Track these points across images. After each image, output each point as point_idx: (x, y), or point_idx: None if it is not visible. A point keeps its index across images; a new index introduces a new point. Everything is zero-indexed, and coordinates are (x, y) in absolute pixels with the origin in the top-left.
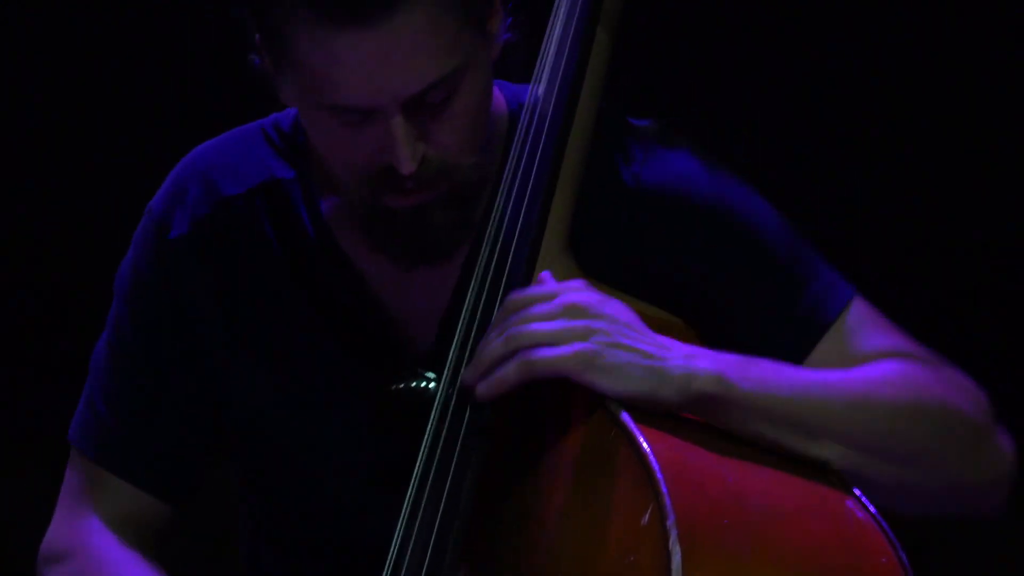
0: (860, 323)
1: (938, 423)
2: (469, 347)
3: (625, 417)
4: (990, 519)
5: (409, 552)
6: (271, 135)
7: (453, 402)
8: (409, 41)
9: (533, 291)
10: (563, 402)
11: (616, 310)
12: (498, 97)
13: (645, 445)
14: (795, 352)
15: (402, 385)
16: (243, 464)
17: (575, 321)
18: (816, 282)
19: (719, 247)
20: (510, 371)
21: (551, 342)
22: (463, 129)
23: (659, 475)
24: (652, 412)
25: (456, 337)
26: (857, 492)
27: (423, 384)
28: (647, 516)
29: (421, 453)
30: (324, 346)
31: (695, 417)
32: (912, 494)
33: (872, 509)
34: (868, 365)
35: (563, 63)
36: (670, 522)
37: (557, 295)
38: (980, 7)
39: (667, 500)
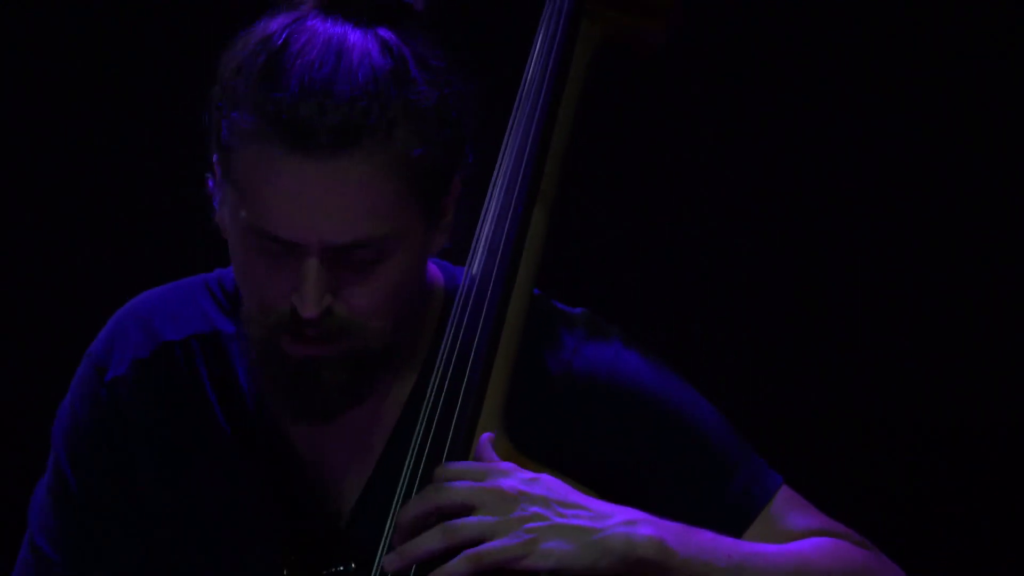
0: (788, 508)
1: None
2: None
3: None
4: None
5: None
6: (214, 290)
7: None
8: (352, 189)
9: (464, 466)
10: None
11: (547, 488)
12: (435, 274)
13: None
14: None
15: (326, 571)
16: None
17: (512, 512)
18: (745, 471)
19: (648, 436)
20: (458, 566)
21: (491, 535)
22: (380, 296)
23: None
24: None
25: (390, 514)
26: None
27: (341, 569)
28: None
29: None
30: (245, 500)
31: None
32: None
33: None
34: (801, 541)
35: (500, 243)
36: None
37: (487, 476)
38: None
39: None
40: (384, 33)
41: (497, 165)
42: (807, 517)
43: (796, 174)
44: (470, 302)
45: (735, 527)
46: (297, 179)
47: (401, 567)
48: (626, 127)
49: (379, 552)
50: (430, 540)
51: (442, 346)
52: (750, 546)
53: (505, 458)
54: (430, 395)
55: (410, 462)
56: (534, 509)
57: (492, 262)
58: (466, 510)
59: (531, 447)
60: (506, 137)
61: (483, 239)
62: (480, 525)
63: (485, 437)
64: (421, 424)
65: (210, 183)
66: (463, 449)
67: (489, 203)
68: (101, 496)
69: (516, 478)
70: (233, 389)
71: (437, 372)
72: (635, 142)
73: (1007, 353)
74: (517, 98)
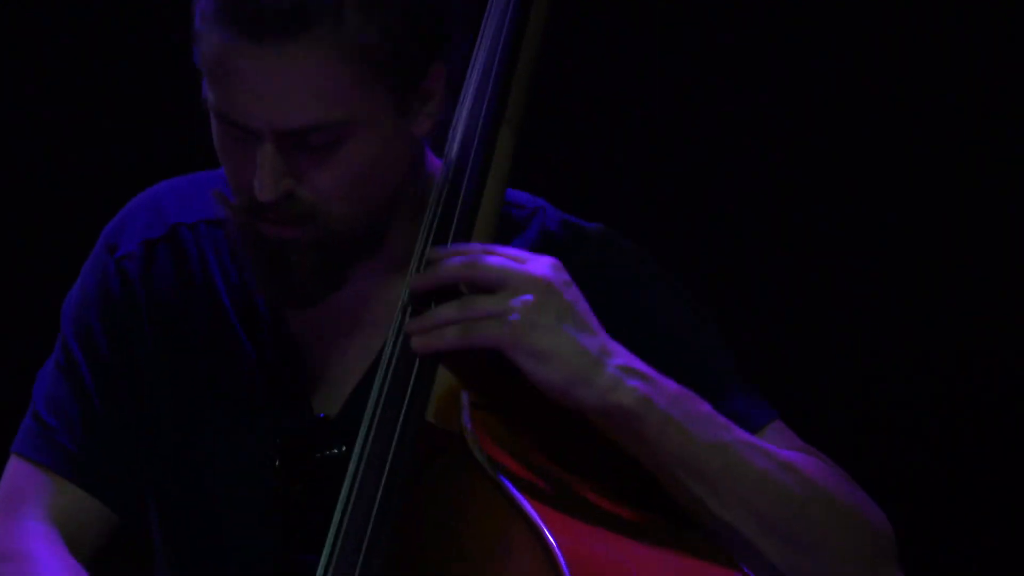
0: (779, 441)
1: (845, 525)
2: (378, 416)
3: (529, 509)
4: None
5: None
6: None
7: (363, 469)
8: (301, 75)
9: (508, 250)
10: (468, 492)
11: (576, 298)
12: (435, 165)
13: (551, 538)
14: None
15: (313, 454)
16: (158, 500)
17: (533, 296)
18: (739, 399)
19: (648, 337)
20: (450, 335)
21: (500, 315)
22: (343, 181)
23: (564, 568)
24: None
25: (369, 405)
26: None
27: (335, 452)
28: None
29: (335, 519)
30: (243, 385)
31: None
32: None
33: None
34: (794, 451)
35: (468, 162)
36: None
37: (530, 260)
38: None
39: None
40: None
41: (468, 75)
42: (802, 444)
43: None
44: (444, 192)
45: None
46: (248, 65)
47: (415, 330)
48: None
49: (360, 434)
50: (446, 313)
51: (417, 243)
52: (745, 434)
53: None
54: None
55: (387, 355)
56: (553, 307)
57: (460, 178)
58: (492, 288)
59: None
60: (475, 49)
61: (452, 153)
62: (497, 304)
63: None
64: (398, 317)
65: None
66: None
67: (459, 116)
68: (103, 370)
69: (557, 272)
70: (240, 275)
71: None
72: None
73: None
74: (486, 10)
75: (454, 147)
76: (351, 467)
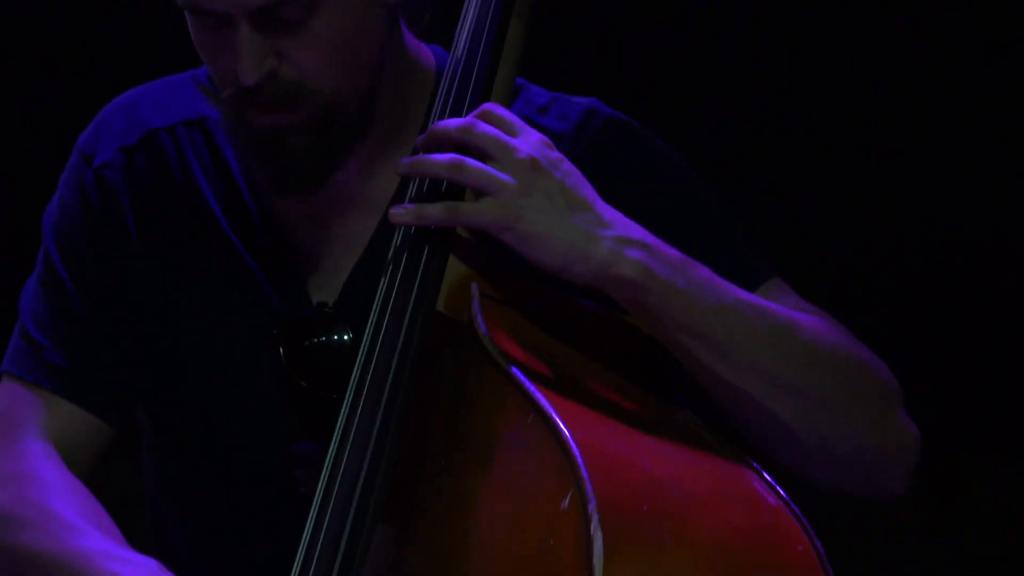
0: (779, 297)
1: (852, 376)
2: (388, 305)
3: (540, 398)
4: (892, 503)
5: (330, 510)
6: (201, 80)
7: (372, 358)
8: None
9: (506, 116)
10: (479, 384)
11: (565, 174)
12: (427, 56)
13: (565, 430)
14: None
15: (317, 340)
16: (153, 407)
17: (519, 180)
18: (738, 256)
19: (650, 191)
20: (433, 212)
21: (487, 188)
22: (324, 52)
23: (579, 460)
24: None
25: (378, 293)
26: (769, 478)
27: (337, 338)
28: (567, 501)
29: (344, 407)
30: (236, 283)
31: (601, 389)
32: (814, 448)
33: (787, 498)
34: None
35: (479, 50)
36: (591, 507)
37: (520, 133)
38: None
39: (588, 486)
40: None
41: None
42: (802, 302)
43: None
44: (457, 75)
45: None
46: None
47: (407, 173)
48: None
49: (369, 322)
50: (438, 164)
51: (429, 122)
52: (748, 295)
53: None
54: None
55: (397, 239)
56: (541, 188)
57: (472, 62)
58: (484, 156)
59: None
60: None
61: (462, 40)
62: (484, 177)
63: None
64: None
65: None
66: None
67: (467, 7)
68: (89, 284)
69: (544, 151)
70: (223, 173)
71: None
72: None
73: None
74: None
75: (464, 34)
76: (360, 356)
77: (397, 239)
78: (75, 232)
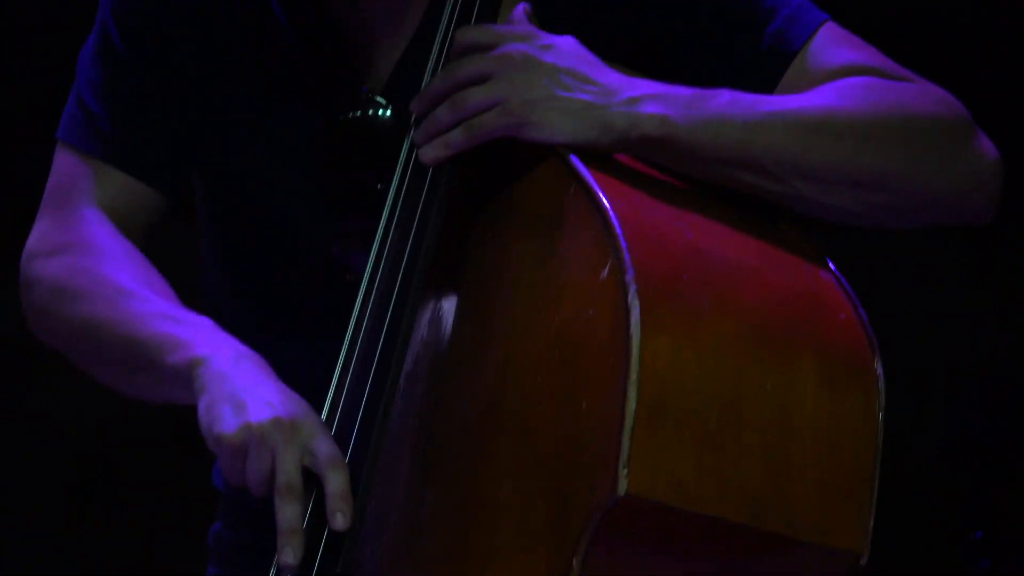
0: (827, 45)
1: (903, 136)
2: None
3: (583, 171)
4: (980, 224)
5: (376, 288)
6: None
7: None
8: None
9: (479, 32)
10: (519, 157)
11: (558, 56)
12: None
13: (604, 200)
14: (762, 88)
15: (357, 114)
16: (204, 181)
17: (515, 74)
18: (781, 14)
19: None
20: (454, 136)
21: (490, 102)
22: None
23: (618, 230)
24: (603, 160)
25: (427, 72)
26: (820, 250)
27: (378, 113)
28: (606, 271)
29: (393, 184)
30: (284, 64)
31: (650, 170)
32: (889, 212)
33: (833, 267)
34: (829, 85)
35: None
36: (629, 277)
37: (500, 41)
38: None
39: (626, 255)
40: None
41: None
42: (848, 52)
43: None
44: None
45: (771, 73)
46: None
47: (422, 141)
48: None
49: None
50: (441, 115)
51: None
52: (771, 105)
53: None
54: None
55: (440, 33)
56: (540, 80)
57: None
58: (480, 80)
59: (558, 23)
60: None
61: None
62: (483, 93)
63: (520, 8)
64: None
65: None
66: (491, 19)
67: None
68: (143, 55)
69: (528, 44)
70: None
71: None
72: None
73: None
74: None
75: None
76: (409, 134)
77: (442, 24)
78: (131, 6)
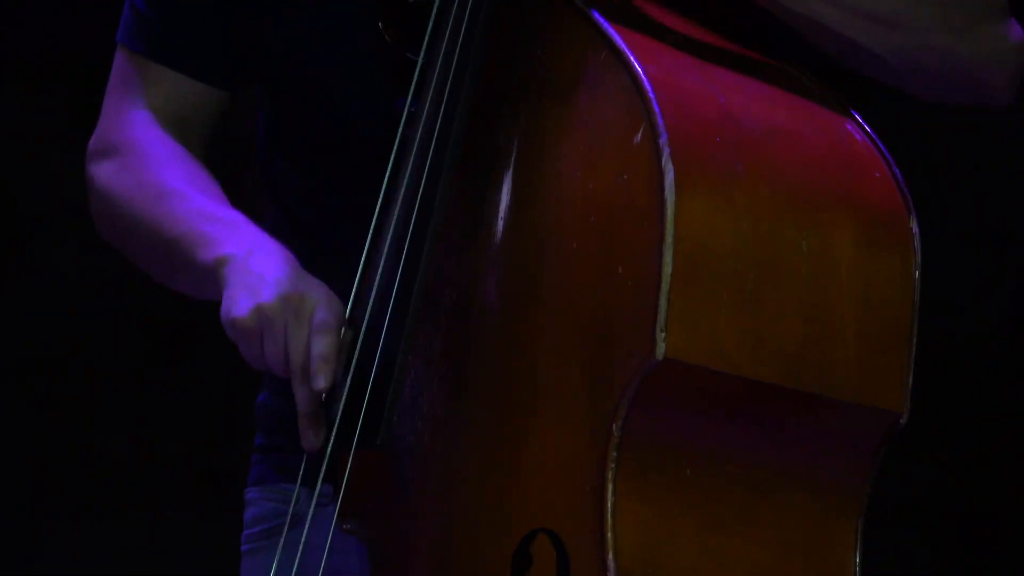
0: None
1: None
2: None
3: (612, 34)
4: (997, 107)
5: (414, 152)
6: None
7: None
8: None
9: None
10: (546, 25)
11: None
12: None
13: (636, 65)
14: None
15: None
16: (258, 66)
17: None
18: None
19: None
20: None
21: None
22: None
23: (651, 94)
24: (627, 17)
25: None
26: (853, 112)
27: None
28: (639, 135)
29: (423, 52)
30: None
31: (675, 22)
32: (905, 62)
33: (868, 129)
34: None
35: None
36: (663, 140)
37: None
38: None
39: (659, 119)
40: None
41: None
42: None
43: None
44: None
45: None
46: None
47: None
48: None
49: None
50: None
51: None
52: None
53: None
54: None
55: None
56: None
57: None
58: None
59: None
60: None
61: None
62: None
63: None
64: None
65: None
66: None
67: None
68: None
69: None
70: None
71: None
72: None
73: None
74: None
75: None
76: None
77: None
78: None
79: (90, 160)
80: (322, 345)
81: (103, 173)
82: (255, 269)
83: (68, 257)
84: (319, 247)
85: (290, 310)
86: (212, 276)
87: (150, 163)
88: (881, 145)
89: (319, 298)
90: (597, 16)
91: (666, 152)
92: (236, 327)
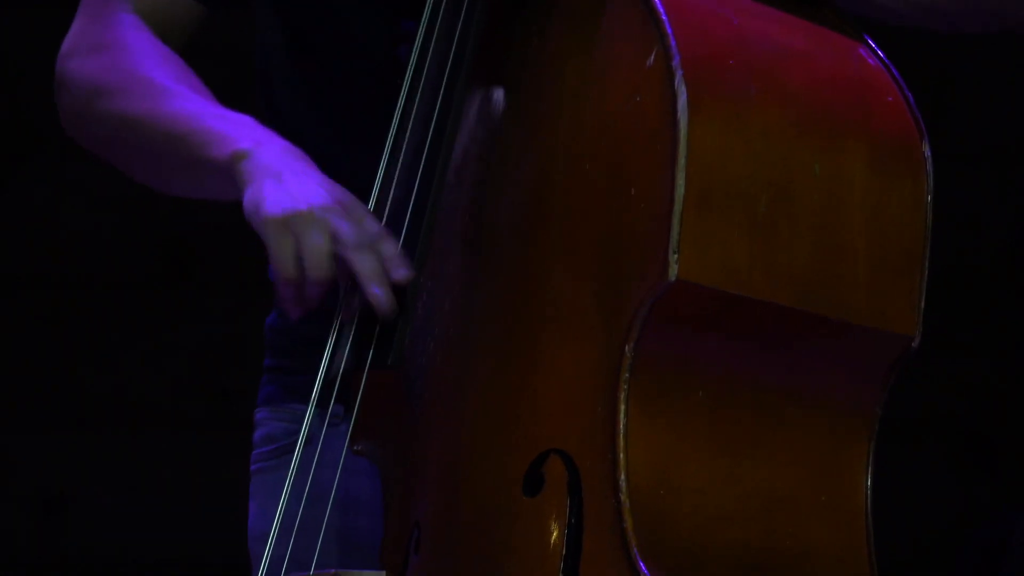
0: None
1: None
2: None
3: None
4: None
5: (424, 75)
6: None
7: None
8: None
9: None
10: None
11: None
12: None
13: None
14: None
15: None
16: None
17: None
18: None
19: None
20: None
21: None
22: None
23: (663, 16)
24: None
25: None
26: (867, 37)
27: None
28: (652, 58)
29: None
30: None
31: None
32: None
33: (881, 54)
34: None
35: None
36: (675, 63)
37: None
38: None
39: (672, 41)
40: None
41: None
42: None
43: None
44: None
45: None
46: None
47: None
48: None
49: None
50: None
51: None
52: None
53: None
54: None
55: None
56: None
57: None
58: None
59: None
60: None
61: None
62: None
63: None
64: None
65: None
66: None
67: None
68: None
69: None
70: None
71: None
72: None
73: None
74: None
75: None
76: None
77: None
78: None
79: (68, 58)
80: (392, 246)
81: (88, 68)
82: (284, 168)
83: (76, 173)
84: (328, 174)
85: (333, 211)
86: (223, 172)
87: (144, 61)
88: (894, 70)
89: (363, 208)
90: None
91: (679, 74)
92: (268, 224)
